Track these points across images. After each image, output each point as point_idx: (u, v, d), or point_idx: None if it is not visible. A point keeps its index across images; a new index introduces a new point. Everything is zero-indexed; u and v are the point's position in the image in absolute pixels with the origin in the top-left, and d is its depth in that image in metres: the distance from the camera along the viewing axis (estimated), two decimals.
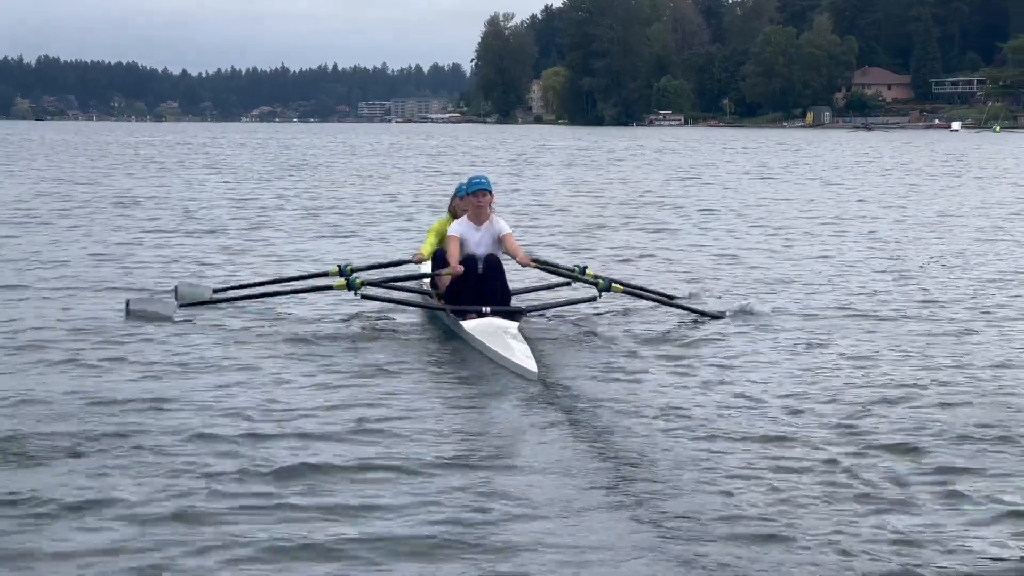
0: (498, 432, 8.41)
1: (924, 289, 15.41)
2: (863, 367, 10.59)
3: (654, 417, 8.74)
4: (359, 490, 7.01)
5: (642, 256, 19.00)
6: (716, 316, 12.84)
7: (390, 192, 35.08)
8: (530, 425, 8.58)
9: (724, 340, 11.77)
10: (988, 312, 13.66)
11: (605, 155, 67.54)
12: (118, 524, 6.36)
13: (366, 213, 27.54)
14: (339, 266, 13.34)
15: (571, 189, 37.12)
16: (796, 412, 8.97)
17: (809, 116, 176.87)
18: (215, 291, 13.66)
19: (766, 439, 8.21)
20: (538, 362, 10.26)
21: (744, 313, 12.98)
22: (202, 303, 13.03)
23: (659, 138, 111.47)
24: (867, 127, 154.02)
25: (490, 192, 12.22)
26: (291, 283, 13.77)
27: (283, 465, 7.38)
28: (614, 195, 34.29)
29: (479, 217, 12.16)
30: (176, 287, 13.66)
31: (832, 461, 7.69)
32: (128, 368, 10.10)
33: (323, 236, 22.02)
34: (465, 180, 12.94)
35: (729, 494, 7.00)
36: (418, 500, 6.83)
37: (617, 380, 10.02)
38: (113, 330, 11.74)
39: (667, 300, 13.36)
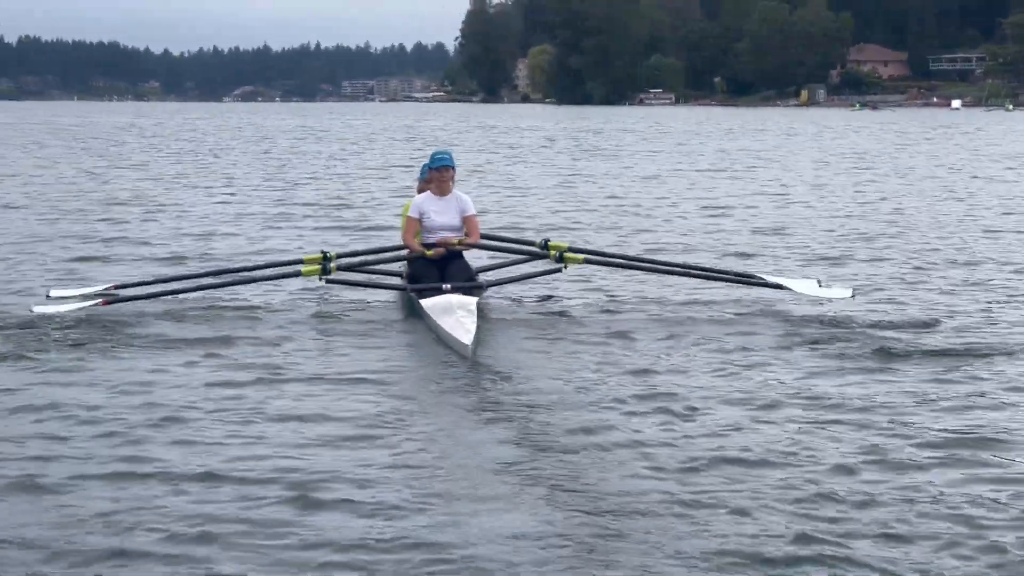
0: (411, 412, 8.51)
1: None
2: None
3: (586, 402, 8.66)
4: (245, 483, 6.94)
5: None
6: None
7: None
8: (450, 405, 8.74)
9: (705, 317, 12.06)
10: None
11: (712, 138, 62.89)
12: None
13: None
14: (323, 252, 13.03)
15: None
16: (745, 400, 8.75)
17: (804, 94, 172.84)
18: (174, 278, 13.74)
19: (702, 427, 8.05)
20: (484, 339, 10.58)
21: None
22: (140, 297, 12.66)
23: (709, 121, 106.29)
24: (871, 105, 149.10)
25: (452, 167, 12.71)
26: (260, 271, 13.59)
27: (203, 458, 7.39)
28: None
29: (442, 190, 12.61)
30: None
31: (792, 455, 7.43)
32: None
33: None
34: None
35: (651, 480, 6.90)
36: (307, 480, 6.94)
37: (556, 359, 10.16)
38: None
39: (638, 265, 13.60)
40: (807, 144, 55.81)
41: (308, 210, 23.62)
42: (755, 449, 7.54)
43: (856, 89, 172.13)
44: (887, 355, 10.13)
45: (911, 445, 7.65)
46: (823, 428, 8.03)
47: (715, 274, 13.43)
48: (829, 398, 8.80)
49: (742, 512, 6.44)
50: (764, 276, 13.32)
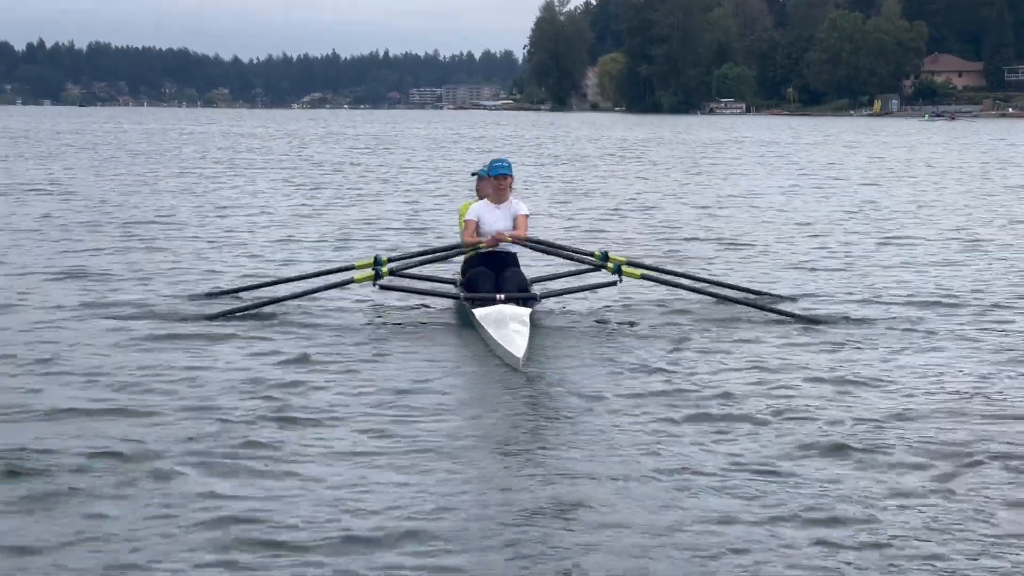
0: (456, 419, 8.56)
1: None
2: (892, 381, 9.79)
3: (630, 414, 8.64)
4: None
5: None
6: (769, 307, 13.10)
7: None
8: (497, 415, 8.69)
9: (756, 336, 11.60)
10: None
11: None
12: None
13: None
14: (376, 257, 13.23)
15: None
16: (779, 418, 8.58)
17: (877, 104, 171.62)
18: (217, 291, 14.01)
19: (728, 448, 7.85)
20: (536, 351, 10.68)
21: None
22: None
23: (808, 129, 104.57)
24: (951, 116, 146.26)
25: (510, 175, 12.78)
26: (314, 279, 13.90)
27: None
28: None
29: (499, 198, 12.75)
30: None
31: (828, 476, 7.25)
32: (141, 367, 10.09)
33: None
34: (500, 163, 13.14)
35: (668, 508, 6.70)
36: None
37: (604, 371, 10.12)
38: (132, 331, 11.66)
39: (697, 287, 13.57)
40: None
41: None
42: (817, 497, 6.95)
43: (930, 99, 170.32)
44: None
45: None
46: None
47: (781, 313, 12.72)
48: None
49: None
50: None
